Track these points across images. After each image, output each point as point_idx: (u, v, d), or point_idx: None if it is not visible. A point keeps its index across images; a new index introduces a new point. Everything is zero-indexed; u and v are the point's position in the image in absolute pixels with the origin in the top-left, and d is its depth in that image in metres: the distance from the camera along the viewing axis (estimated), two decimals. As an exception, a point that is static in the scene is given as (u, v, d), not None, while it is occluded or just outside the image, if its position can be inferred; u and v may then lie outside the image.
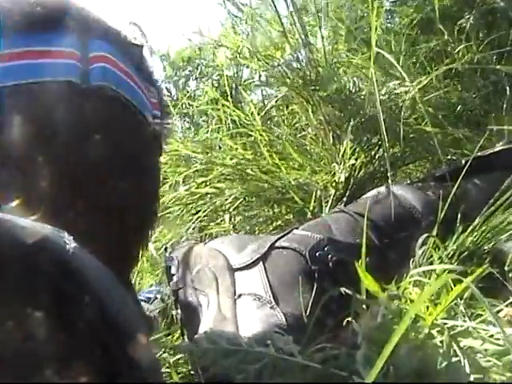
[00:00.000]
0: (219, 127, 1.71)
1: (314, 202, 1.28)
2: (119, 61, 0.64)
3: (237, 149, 1.47)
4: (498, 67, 1.38)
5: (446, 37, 1.51)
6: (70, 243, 0.40)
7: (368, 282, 0.55)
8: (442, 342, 0.50)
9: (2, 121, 0.54)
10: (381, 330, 0.52)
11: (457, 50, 1.47)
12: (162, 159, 1.41)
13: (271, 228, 1.38)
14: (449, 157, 1.41)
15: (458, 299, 0.69)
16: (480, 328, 0.57)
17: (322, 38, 1.44)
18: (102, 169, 0.60)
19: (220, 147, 1.57)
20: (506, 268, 0.72)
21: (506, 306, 0.64)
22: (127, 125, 0.65)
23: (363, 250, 0.70)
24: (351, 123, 1.28)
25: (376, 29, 1.27)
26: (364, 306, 0.61)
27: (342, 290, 0.64)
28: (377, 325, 0.53)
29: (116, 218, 0.61)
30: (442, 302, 0.51)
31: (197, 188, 1.44)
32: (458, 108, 1.45)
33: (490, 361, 0.51)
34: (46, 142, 0.56)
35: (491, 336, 0.54)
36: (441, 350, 0.50)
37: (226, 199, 1.40)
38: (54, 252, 0.39)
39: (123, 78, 0.64)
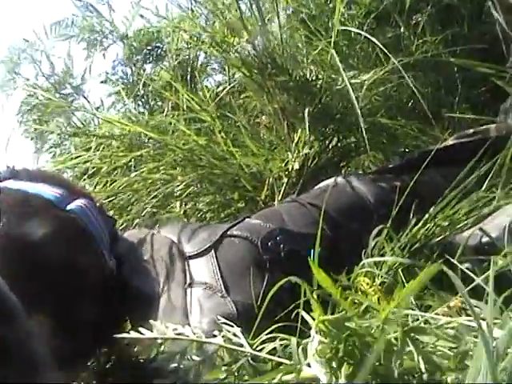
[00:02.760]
0: (174, 112, 1.69)
1: (267, 190, 1.27)
2: (94, 214, 0.85)
3: (190, 135, 1.45)
4: (452, 60, 1.40)
5: (402, 29, 1.52)
6: None
7: (319, 275, 0.55)
8: (396, 338, 0.50)
9: None
10: (333, 323, 0.52)
11: (412, 43, 1.48)
12: (115, 143, 1.39)
13: (222, 215, 1.37)
14: (401, 148, 1.43)
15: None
16: (429, 317, 0.57)
17: (280, 25, 1.43)
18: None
19: (173, 132, 1.54)
20: (455, 260, 0.72)
21: (456, 297, 0.64)
22: (87, 248, 0.82)
23: (317, 241, 0.69)
24: (306, 112, 1.27)
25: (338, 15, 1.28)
26: (315, 296, 0.61)
27: (293, 279, 0.63)
28: (329, 318, 0.53)
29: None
30: (396, 297, 0.51)
31: (148, 173, 1.41)
32: (412, 101, 1.46)
33: (436, 352, 0.52)
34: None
35: (441, 326, 0.55)
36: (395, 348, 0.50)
37: (178, 185, 1.38)
38: None
39: (93, 220, 0.84)
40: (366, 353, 0.49)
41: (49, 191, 0.81)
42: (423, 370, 0.48)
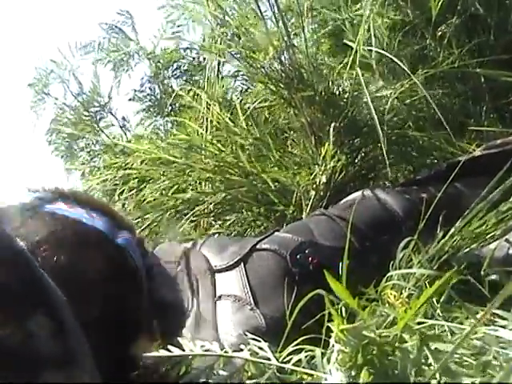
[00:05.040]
0: (202, 127, 1.70)
1: (294, 204, 1.28)
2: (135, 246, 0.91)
3: (220, 149, 1.46)
4: (478, 71, 1.39)
5: (427, 41, 1.52)
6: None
7: (335, 286, 0.55)
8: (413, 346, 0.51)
9: None
10: (352, 333, 0.53)
11: (439, 55, 1.48)
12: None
13: (251, 232, 1.38)
14: (429, 160, 1.42)
15: (435, 303, 0.69)
16: (453, 326, 0.57)
17: (305, 39, 1.44)
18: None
19: (201, 148, 1.56)
20: (481, 272, 0.72)
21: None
22: (130, 278, 0.87)
23: (345, 254, 0.70)
24: (333, 125, 1.28)
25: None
26: (339, 307, 0.62)
27: (320, 292, 0.63)
28: (349, 327, 0.53)
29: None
30: (413, 306, 0.51)
31: (177, 189, 1.44)
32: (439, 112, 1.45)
33: (462, 363, 0.52)
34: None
35: (466, 336, 0.55)
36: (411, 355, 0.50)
37: (210, 204, 1.40)
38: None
39: (137, 255, 0.89)
40: (385, 361, 0.50)
41: (98, 220, 0.87)
42: (438, 377, 0.48)
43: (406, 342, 0.51)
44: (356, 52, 1.31)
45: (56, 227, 0.80)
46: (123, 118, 2.33)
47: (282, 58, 1.41)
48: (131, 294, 0.86)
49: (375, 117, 1.13)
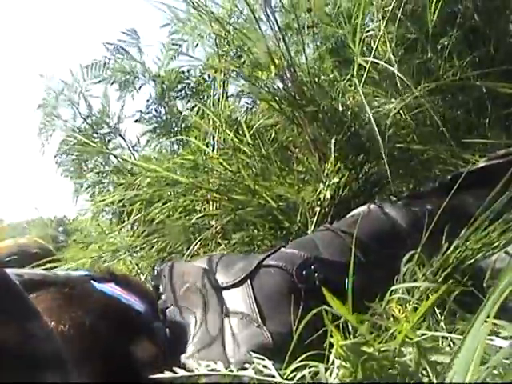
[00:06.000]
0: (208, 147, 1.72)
1: (299, 221, 1.28)
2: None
3: (226, 168, 1.47)
4: (478, 83, 1.40)
5: (429, 55, 1.53)
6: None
7: (333, 303, 0.56)
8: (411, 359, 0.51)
9: None
10: (351, 348, 0.53)
11: (440, 67, 1.49)
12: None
13: (258, 250, 1.38)
14: (433, 173, 1.42)
15: (439, 315, 0.70)
16: (454, 337, 0.57)
17: (306, 58, 1.46)
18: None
19: (206, 168, 1.57)
20: (484, 284, 0.72)
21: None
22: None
23: (350, 268, 0.70)
24: (334, 141, 1.29)
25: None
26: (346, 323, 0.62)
27: (325, 308, 0.64)
28: (348, 343, 0.54)
29: None
30: (411, 319, 0.52)
31: (184, 209, 1.44)
32: (442, 125, 1.46)
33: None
34: None
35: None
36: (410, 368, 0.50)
37: (216, 227, 1.41)
38: None
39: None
40: (384, 376, 0.50)
41: (139, 303, 0.96)
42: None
43: (405, 355, 0.51)
44: (360, 66, 1.33)
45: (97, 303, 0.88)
46: (134, 144, 2.36)
47: (284, 77, 1.42)
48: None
49: (376, 130, 1.14)
